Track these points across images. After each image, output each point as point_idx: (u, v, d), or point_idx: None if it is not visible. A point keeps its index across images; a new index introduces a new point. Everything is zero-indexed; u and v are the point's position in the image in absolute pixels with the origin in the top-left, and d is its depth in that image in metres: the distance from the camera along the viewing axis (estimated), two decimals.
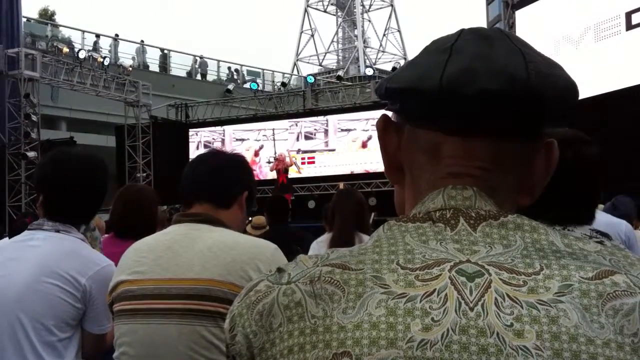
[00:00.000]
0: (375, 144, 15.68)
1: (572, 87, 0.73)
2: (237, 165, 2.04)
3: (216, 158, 2.03)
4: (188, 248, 1.77)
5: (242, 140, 18.63)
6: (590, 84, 9.00)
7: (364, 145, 17.09)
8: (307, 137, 17.93)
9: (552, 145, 0.77)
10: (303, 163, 17.65)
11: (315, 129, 17.87)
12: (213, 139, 18.88)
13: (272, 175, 16.84)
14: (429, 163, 0.75)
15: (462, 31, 0.76)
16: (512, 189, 0.75)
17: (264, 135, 18.34)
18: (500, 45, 0.72)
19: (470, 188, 0.72)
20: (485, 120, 0.71)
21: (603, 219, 2.22)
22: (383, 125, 0.80)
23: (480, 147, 0.73)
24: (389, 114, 0.81)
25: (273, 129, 18.16)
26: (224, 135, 18.87)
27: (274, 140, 18.03)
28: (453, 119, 0.72)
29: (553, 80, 0.71)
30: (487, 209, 0.70)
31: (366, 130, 16.93)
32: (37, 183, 2.37)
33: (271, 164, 17.05)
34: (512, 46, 0.72)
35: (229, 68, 29.38)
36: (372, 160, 16.22)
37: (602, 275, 0.63)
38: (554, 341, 0.59)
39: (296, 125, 18.02)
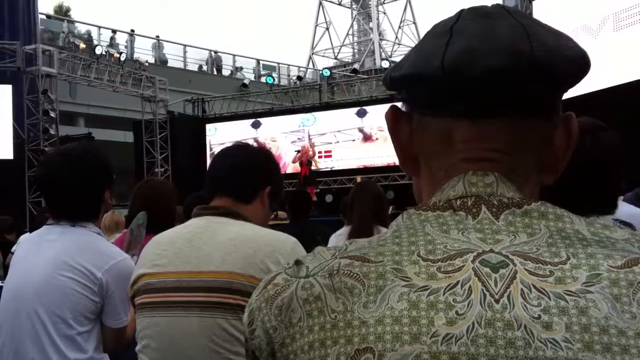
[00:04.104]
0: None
1: (581, 57, 0.70)
2: (260, 160, 2.00)
3: (239, 152, 2.01)
4: (208, 241, 1.76)
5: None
6: (610, 74, 8.89)
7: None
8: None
9: (570, 118, 0.74)
10: (320, 157, 17.56)
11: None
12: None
13: (293, 168, 16.69)
14: (442, 150, 0.73)
15: (462, 11, 0.74)
16: (534, 168, 0.72)
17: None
18: (501, 22, 0.70)
19: (492, 174, 0.69)
20: (494, 100, 0.69)
21: (626, 209, 2.17)
22: (392, 117, 0.78)
23: (493, 129, 0.70)
24: (399, 104, 0.79)
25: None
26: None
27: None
28: (459, 102, 0.70)
29: (560, 52, 0.68)
30: (509, 196, 0.68)
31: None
32: (36, 187, 2.40)
33: (293, 157, 16.91)
34: (513, 21, 0.70)
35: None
36: (390, 154, 16.02)
37: (631, 263, 0.61)
38: (584, 333, 0.57)
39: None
